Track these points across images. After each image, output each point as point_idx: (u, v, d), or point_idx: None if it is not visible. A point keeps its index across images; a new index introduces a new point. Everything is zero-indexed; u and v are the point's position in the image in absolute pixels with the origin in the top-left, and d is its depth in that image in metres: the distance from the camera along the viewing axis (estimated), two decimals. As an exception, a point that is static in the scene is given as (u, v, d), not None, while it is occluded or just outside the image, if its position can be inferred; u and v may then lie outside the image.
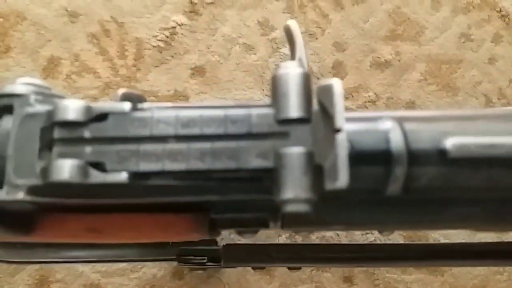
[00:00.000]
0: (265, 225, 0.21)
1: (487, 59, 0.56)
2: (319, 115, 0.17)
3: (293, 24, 0.25)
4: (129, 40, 0.49)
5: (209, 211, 0.21)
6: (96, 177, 0.16)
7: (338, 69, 0.53)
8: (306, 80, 0.17)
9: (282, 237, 0.45)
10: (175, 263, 0.43)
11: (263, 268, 0.36)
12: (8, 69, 0.47)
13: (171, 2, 0.50)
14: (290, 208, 0.15)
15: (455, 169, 0.18)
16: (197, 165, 0.16)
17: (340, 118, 0.16)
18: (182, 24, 0.49)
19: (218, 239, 0.35)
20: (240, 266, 0.39)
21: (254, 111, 0.17)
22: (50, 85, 0.19)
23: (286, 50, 0.52)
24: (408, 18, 0.56)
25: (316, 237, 0.45)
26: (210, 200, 0.18)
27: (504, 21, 0.58)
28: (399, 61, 0.55)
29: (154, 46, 0.49)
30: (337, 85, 0.16)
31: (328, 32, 0.53)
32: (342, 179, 0.15)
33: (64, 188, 0.16)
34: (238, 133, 0.16)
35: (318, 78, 0.52)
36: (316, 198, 0.16)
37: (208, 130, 0.16)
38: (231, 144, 0.16)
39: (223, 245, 0.34)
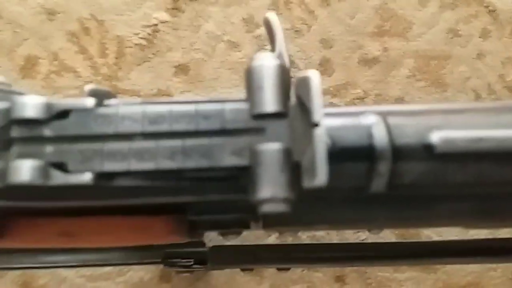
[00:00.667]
0: (246, 226, 0.20)
1: (476, 54, 0.56)
2: (296, 109, 0.16)
3: (272, 16, 0.24)
4: (109, 38, 0.47)
5: (186, 212, 0.20)
6: (58, 178, 0.15)
7: (325, 66, 0.52)
8: (283, 72, 0.16)
9: (272, 237, 0.44)
10: (161, 266, 0.42)
11: (251, 269, 0.35)
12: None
13: (153, -1, 0.49)
14: (266, 208, 0.14)
15: (442, 164, 0.17)
16: (166, 164, 0.15)
17: (318, 112, 0.15)
18: (164, 21, 0.48)
19: (207, 240, 0.34)
20: (228, 268, 0.38)
21: (228, 106, 0.16)
22: (28, 85, 0.18)
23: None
24: (396, 14, 0.55)
25: (306, 236, 0.44)
26: (183, 201, 0.16)
27: (492, 16, 0.57)
28: (387, 57, 0.54)
29: (135, 44, 0.47)
30: (315, 77, 0.15)
31: (314, 28, 0.53)
32: (320, 176, 0.14)
33: (24, 190, 0.15)
34: (210, 130, 0.15)
35: (305, 75, 0.51)
36: (294, 197, 0.15)
37: (178, 127, 0.15)
38: (203, 141, 0.15)
39: (210, 247, 0.33)
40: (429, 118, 0.18)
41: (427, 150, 0.17)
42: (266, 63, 0.16)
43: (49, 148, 0.15)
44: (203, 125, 0.15)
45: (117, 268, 0.42)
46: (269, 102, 0.15)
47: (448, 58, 0.55)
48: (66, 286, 0.42)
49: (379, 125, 0.18)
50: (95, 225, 0.21)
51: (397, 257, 0.32)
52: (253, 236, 0.43)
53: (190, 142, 0.15)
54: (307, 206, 0.19)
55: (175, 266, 0.34)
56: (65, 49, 0.46)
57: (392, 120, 0.18)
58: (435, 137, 0.17)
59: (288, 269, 0.33)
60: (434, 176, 0.18)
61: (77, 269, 0.42)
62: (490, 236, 0.33)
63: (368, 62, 0.53)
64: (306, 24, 0.53)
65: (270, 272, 0.43)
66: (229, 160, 0.15)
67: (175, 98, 0.16)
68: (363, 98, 0.52)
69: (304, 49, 0.52)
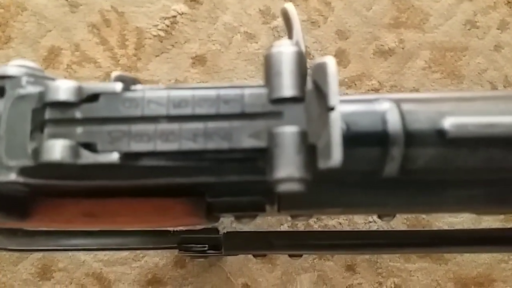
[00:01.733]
0: (262, 209, 0.21)
1: (493, 46, 0.55)
2: (313, 94, 0.16)
3: (290, 7, 0.24)
4: (129, 29, 0.48)
5: (205, 195, 0.21)
6: (87, 157, 0.16)
7: (341, 57, 0.52)
8: (300, 58, 0.17)
9: (284, 226, 0.45)
10: (176, 252, 0.43)
11: (264, 255, 0.36)
12: (9, 59, 0.46)
13: (171, -9, 0.50)
14: (283, 187, 0.15)
15: (454, 149, 0.18)
16: (189, 145, 0.16)
17: (334, 96, 0.15)
18: (182, 13, 0.49)
19: (220, 227, 0.35)
20: (241, 254, 0.39)
21: (247, 91, 0.16)
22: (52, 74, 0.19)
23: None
24: (412, 5, 0.55)
25: (318, 225, 0.45)
26: (204, 181, 0.17)
27: (511, 7, 0.57)
28: (402, 49, 0.54)
29: (154, 36, 0.48)
30: (331, 63, 0.16)
31: (331, 20, 0.53)
32: (335, 158, 0.15)
33: (55, 169, 0.16)
34: (230, 113, 0.16)
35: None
36: (309, 177, 0.15)
37: (200, 110, 0.16)
38: (224, 124, 0.16)
39: (224, 233, 0.34)
40: (442, 104, 0.19)
41: (439, 136, 0.18)
42: (284, 50, 0.17)
43: (79, 129, 0.16)
44: (224, 109, 0.16)
45: (133, 253, 0.44)
46: (287, 87, 0.16)
47: (464, 50, 0.55)
48: (84, 269, 0.43)
49: (392, 111, 0.18)
50: (118, 207, 0.22)
51: (407, 245, 0.32)
52: (266, 224, 0.44)
53: (211, 125, 0.16)
54: (321, 188, 0.20)
55: (190, 251, 0.35)
56: (87, 40, 0.48)
57: (405, 107, 0.18)
58: (447, 122, 0.18)
59: (300, 256, 0.34)
60: (446, 161, 0.18)
61: (95, 254, 0.44)
62: (501, 226, 0.33)
63: (383, 53, 0.53)
64: (323, 16, 0.53)
65: (282, 260, 0.44)
66: (248, 142, 0.16)
67: (197, 84, 0.17)
68: (378, 90, 0.53)
69: (320, 40, 0.52)
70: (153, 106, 0.16)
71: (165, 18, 0.49)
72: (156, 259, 0.44)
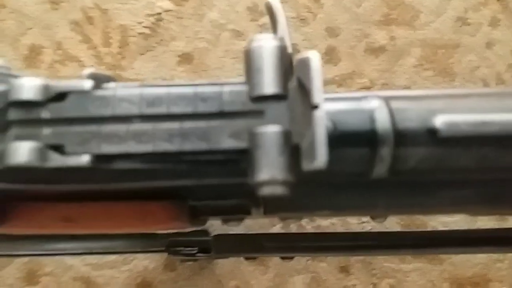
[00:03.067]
0: (247, 212, 0.20)
1: (485, 43, 0.55)
2: (296, 91, 0.15)
3: (274, 2, 0.23)
4: (113, 27, 0.47)
5: (187, 198, 0.20)
6: (56, 160, 0.15)
7: (331, 55, 0.52)
8: (282, 54, 0.16)
9: (276, 227, 0.44)
10: (166, 255, 0.42)
11: (255, 258, 0.35)
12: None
13: (157, -13, 0.48)
14: (266, 190, 0.14)
15: (446, 148, 0.17)
16: (164, 146, 0.15)
17: (318, 93, 0.15)
18: (168, 10, 0.48)
19: (210, 229, 0.34)
20: (232, 257, 0.38)
21: (226, 88, 0.15)
22: (32, 75, 0.18)
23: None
24: (403, 2, 0.54)
25: (311, 226, 0.44)
26: (183, 185, 0.16)
27: (501, 4, 0.56)
28: (393, 46, 0.53)
29: (139, 33, 0.47)
30: (315, 58, 0.15)
31: (320, 17, 0.52)
32: (320, 159, 0.14)
33: (22, 172, 0.15)
34: (209, 112, 0.15)
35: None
36: (293, 179, 0.15)
37: (176, 109, 0.15)
38: (202, 123, 0.15)
39: (214, 236, 0.33)
40: (433, 102, 0.18)
41: (430, 134, 0.17)
42: (266, 44, 0.16)
43: (46, 130, 0.15)
44: (201, 108, 0.15)
45: (122, 257, 0.43)
46: (268, 84, 0.15)
47: (456, 47, 0.54)
48: (71, 274, 0.42)
49: (381, 109, 0.17)
50: (97, 211, 0.21)
51: (400, 247, 0.31)
52: (257, 226, 0.43)
53: (188, 124, 0.15)
54: (308, 191, 0.19)
55: (179, 254, 0.34)
56: (69, 38, 0.46)
57: (395, 104, 0.18)
58: (439, 121, 0.17)
59: (292, 258, 0.33)
60: (437, 161, 0.17)
61: (83, 257, 0.43)
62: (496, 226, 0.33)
63: (374, 51, 0.53)
64: (312, 13, 0.52)
65: (274, 262, 0.43)
66: (227, 142, 0.15)
67: (173, 81, 0.16)
68: (369, 88, 0.52)
69: (309, 37, 0.51)
70: (125, 105, 0.15)
71: (150, 15, 0.48)
72: (146, 262, 0.43)
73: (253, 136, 0.15)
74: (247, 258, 0.35)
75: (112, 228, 0.23)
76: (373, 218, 0.24)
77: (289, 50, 0.17)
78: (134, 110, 0.15)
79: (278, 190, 0.14)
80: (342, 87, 0.51)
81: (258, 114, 0.15)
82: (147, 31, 0.47)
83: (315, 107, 0.14)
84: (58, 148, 0.15)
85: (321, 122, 0.14)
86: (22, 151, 0.15)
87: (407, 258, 0.45)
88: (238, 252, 0.33)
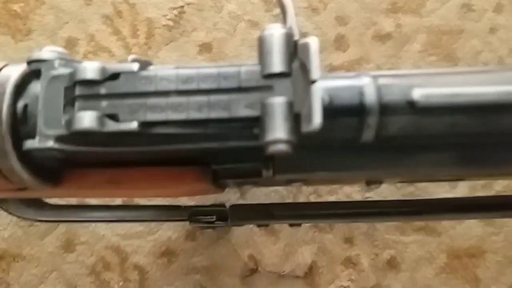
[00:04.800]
0: (259, 174, 0.24)
1: (488, 28, 0.57)
2: (298, 69, 0.19)
3: (284, -4, 0.27)
4: (140, 20, 0.51)
5: (210, 163, 0.24)
6: (111, 126, 0.19)
7: (340, 42, 0.55)
8: (288, 39, 0.20)
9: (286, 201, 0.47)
10: (187, 228, 0.47)
11: (266, 225, 0.39)
12: (29, 50, 0.50)
13: (178, -18, 0.52)
14: (272, 148, 0.18)
15: (422, 117, 0.21)
16: (195, 115, 0.19)
17: (316, 71, 0.19)
18: (189, 3, 0.52)
19: (226, 204, 0.38)
20: (245, 224, 0.42)
21: (243, 69, 0.20)
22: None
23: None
24: (410, -10, 0.57)
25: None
26: (208, 147, 0.20)
27: (507, -10, 0.58)
28: (400, 33, 0.56)
29: (163, 25, 0.51)
30: (314, 42, 0.19)
31: (331, 6, 0.55)
32: (316, 122, 0.18)
33: (85, 136, 0.19)
34: (229, 87, 0.19)
35: (319, 52, 0.54)
36: (295, 140, 0.19)
37: (204, 85, 0.19)
38: (224, 97, 0.19)
39: (230, 205, 0.38)
40: (413, 79, 0.21)
41: (409, 105, 0.21)
42: (274, 32, 0.20)
43: (104, 103, 0.20)
44: (224, 84, 0.19)
45: (148, 228, 0.47)
46: (276, 64, 0.19)
47: (460, 33, 0.57)
48: (103, 243, 0.47)
49: (369, 85, 0.21)
50: (137, 174, 0.25)
51: (398, 213, 0.35)
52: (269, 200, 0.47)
53: (213, 97, 0.19)
54: (309, 154, 0.23)
55: (200, 222, 0.38)
56: (101, 31, 0.51)
57: (381, 81, 0.21)
58: (417, 93, 0.21)
59: (299, 225, 0.37)
60: (416, 127, 0.21)
61: (113, 228, 0.47)
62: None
63: (381, 38, 0.55)
64: (323, 2, 0.55)
65: (284, 233, 0.47)
66: (244, 111, 0.19)
67: (201, 64, 0.20)
68: (377, 73, 0.55)
69: (320, 26, 0.54)
70: (164, 83, 0.19)
71: (174, 8, 0.52)
72: (169, 233, 0.47)
73: (264, 106, 0.19)
74: (259, 226, 0.39)
75: (150, 189, 0.27)
76: (368, 184, 0.28)
77: (296, 37, 0.21)
78: (171, 86, 0.19)
79: (283, 147, 0.18)
80: (350, 72, 0.54)
81: (268, 88, 0.19)
82: (170, 23, 0.51)
83: (313, 81, 0.18)
84: (113, 117, 0.19)
85: (318, 93, 0.18)
86: (86, 119, 0.19)
87: (407, 231, 0.49)
88: (251, 220, 0.37)
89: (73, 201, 0.41)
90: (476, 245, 0.49)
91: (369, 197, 0.47)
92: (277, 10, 0.54)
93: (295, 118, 0.19)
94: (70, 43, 0.51)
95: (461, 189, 0.48)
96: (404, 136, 0.21)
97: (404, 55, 0.55)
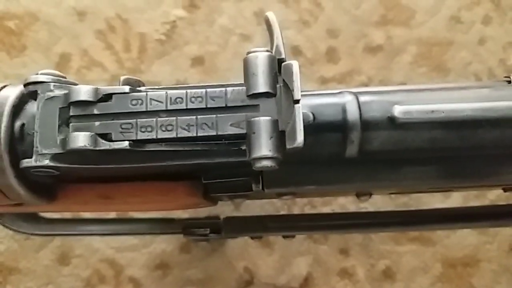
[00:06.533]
0: (249, 188, 0.25)
1: (477, 40, 0.58)
2: (282, 90, 0.20)
3: (270, 15, 0.28)
4: (133, 35, 0.52)
5: (201, 178, 0.25)
6: (104, 145, 0.20)
7: (331, 55, 0.56)
8: (272, 61, 0.21)
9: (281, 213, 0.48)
10: (182, 240, 0.47)
11: (260, 237, 0.40)
12: (24, 66, 0.51)
13: (171, -3, 0.54)
14: (259, 164, 0.19)
15: (403, 132, 0.22)
16: (184, 133, 0.20)
17: (298, 91, 0.19)
18: (181, 18, 0.53)
19: (221, 216, 0.39)
20: (239, 236, 0.43)
21: (229, 89, 0.20)
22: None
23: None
24: (399, 3, 0.58)
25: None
26: (197, 163, 0.21)
27: (494, 3, 0.59)
28: (390, 45, 0.57)
29: (156, 40, 0.52)
30: (295, 65, 0.20)
31: (321, 19, 0.56)
32: (299, 139, 0.19)
33: (79, 155, 0.20)
34: (216, 107, 0.20)
35: (311, 64, 0.55)
36: (280, 156, 0.19)
37: (192, 105, 0.20)
38: (211, 116, 0.20)
39: (224, 218, 0.38)
40: (393, 95, 0.22)
41: (390, 121, 0.22)
42: (259, 55, 0.21)
43: (97, 123, 0.20)
44: (211, 104, 0.20)
45: (142, 240, 0.48)
46: (261, 84, 0.20)
47: (450, 44, 0.58)
48: (98, 256, 0.47)
49: (352, 102, 0.22)
50: (129, 189, 0.26)
51: (391, 224, 0.36)
52: (264, 213, 0.48)
53: (201, 117, 0.20)
54: (296, 168, 0.24)
55: (194, 235, 0.39)
56: (94, 46, 0.52)
57: (362, 98, 0.22)
58: (396, 110, 0.22)
59: (293, 236, 0.38)
60: (397, 142, 0.22)
61: (108, 241, 0.47)
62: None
63: (372, 50, 0.56)
64: (313, 16, 0.56)
65: (279, 244, 0.48)
66: (230, 130, 0.20)
67: (190, 84, 0.21)
68: (367, 84, 0.56)
69: (311, 39, 0.56)
70: (154, 103, 0.20)
71: (166, 23, 0.53)
72: (164, 245, 0.48)
73: (250, 124, 0.20)
74: (253, 238, 0.40)
75: (141, 204, 0.28)
76: (358, 196, 0.29)
77: (282, 54, 0.22)
78: (161, 106, 0.20)
79: (269, 164, 0.19)
80: (342, 84, 0.55)
81: (254, 107, 0.20)
82: (163, 37, 0.52)
83: (296, 101, 0.19)
84: (106, 136, 0.20)
85: (300, 112, 0.19)
86: (80, 138, 0.20)
87: (402, 241, 0.49)
88: (245, 232, 0.38)
89: (68, 215, 0.42)
90: (471, 254, 0.49)
91: (363, 208, 0.48)
92: (269, 24, 0.55)
93: (280, 135, 0.20)
94: (64, 59, 0.51)
95: (455, 199, 0.49)
96: (386, 150, 0.22)
97: (395, 66, 0.56)
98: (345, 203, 0.49)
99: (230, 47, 0.53)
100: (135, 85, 0.22)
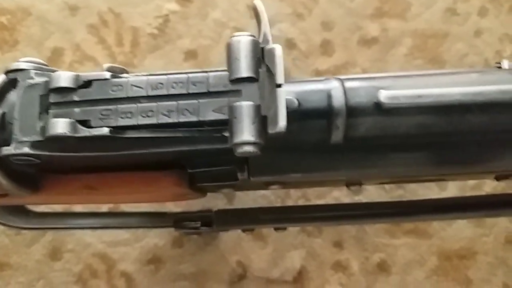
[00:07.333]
0: (235, 177, 0.24)
1: (473, 32, 0.57)
2: (265, 74, 0.20)
3: (258, 3, 0.28)
4: (125, 29, 0.52)
5: (185, 167, 0.24)
6: (84, 131, 0.20)
7: (325, 48, 0.55)
8: (255, 46, 0.20)
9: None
10: (174, 234, 0.47)
11: (252, 230, 0.39)
12: (16, 61, 0.51)
13: (164, -9, 0.53)
14: (240, 150, 0.19)
15: (389, 118, 0.21)
16: (164, 119, 0.20)
17: (280, 75, 0.19)
18: (174, 11, 0.53)
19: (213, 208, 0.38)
20: (231, 229, 0.42)
21: (211, 74, 0.20)
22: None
23: (274, 31, 0.55)
24: (395, -5, 0.57)
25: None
26: (180, 150, 0.21)
27: (490, -6, 0.59)
28: (385, 37, 0.56)
29: (149, 34, 0.52)
30: (278, 49, 0.20)
31: (316, 12, 0.56)
32: (281, 124, 0.18)
33: (59, 142, 0.20)
34: (198, 92, 0.20)
35: (305, 57, 0.55)
36: (262, 141, 0.19)
37: (173, 91, 0.20)
38: (193, 101, 0.20)
39: (215, 211, 0.38)
40: (379, 81, 0.22)
41: (376, 107, 0.21)
42: (242, 39, 0.20)
43: (77, 110, 0.20)
44: (193, 89, 0.20)
45: (134, 235, 0.47)
46: (244, 69, 0.20)
47: (445, 36, 0.57)
48: (90, 250, 0.47)
49: (337, 88, 0.22)
50: (114, 179, 0.26)
51: (383, 215, 0.35)
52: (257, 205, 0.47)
53: (182, 102, 0.20)
54: (282, 155, 0.23)
55: (185, 228, 0.39)
56: (86, 41, 0.51)
57: (348, 84, 0.22)
58: (382, 95, 0.21)
59: (285, 228, 0.38)
60: (383, 128, 0.22)
61: (100, 236, 0.47)
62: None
63: (367, 42, 0.56)
64: (308, 8, 0.56)
65: (273, 237, 0.47)
66: (212, 115, 0.20)
67: (172, 70, 0.21)
68: (362, 77, 0.55)
69: (305, 32, 0.55)
70: (135, 89, 0.20)
71: (159, 17, 0.52)
72: (156, 240, 0.47)
73: (232, 110, 0.19)
74: (244, 230, 0.39)
75: (126, 194, 0.28)
76: (348, 186, 0.28)
77: (269, 43, 0.22)
78: (142, 92, 0.20)
79: (250, 149, 0.19)
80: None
81: (236, 93, 0.20)
82: (155, 31, 0.52)
83: (279, 85, 0.19)
84: (86, 123, 0.20)
85: (283, 96, 0.19)
86: (59, 125, 0.19)
87: (397, 234, 0.49)
88: (237, 225, 0.38)
89: (58, 208, 0.41)
90: (467, 247, 0.49)
91: (358, 201, 0.47)
92: (262, 17, 0.54)
93: (262, 121, 0.19)
94: (56, 53, 0.51)
95: (450, 192, 0.48)
96: (373, 136, 0.22)
97: (390, 59, 0.56)
98: (340, 196, 0.48)
99: (223, 40, 0.52)
100: (118, 72, 0.22)
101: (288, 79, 0.23)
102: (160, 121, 0.20)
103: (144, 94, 0.20)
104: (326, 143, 0.22)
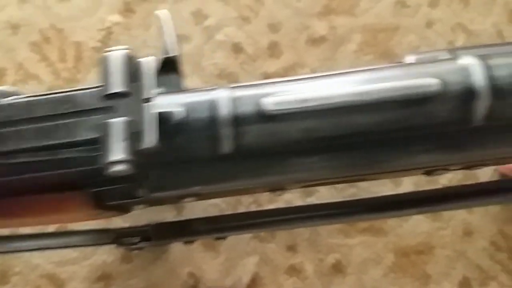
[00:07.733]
0: (136, 195, 0.24)
1: (425, 23, 0.57)
2: (137, 89, 0.19)
3: (162, 13, 0.27)
4: (68, 44, 0.51)
5: (85, 187, 0.24)
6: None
7: (273, 50, 0.55)
8: (129, 59, 0.20)
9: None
10: (123, 251, 0.46)
11: (192, 241, 0.39)
12: None
13: (106, 3, 0.53)
14: (112, 169, 0.18)
15: (276, 124, 0.21)
16: (31, 143, 0.19)
17: (148, 90, 0.19)
18: (117, 23, 0.52)
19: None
20: (170, 242, 0.42)
21: (81, 92, 0.20)
22: None
23: (220, 36, 0.54)
24: (342, -9, 0.57)
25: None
26: (65, 172, 0.20)
27: (441, -16, 0.58)
28: (334, 35, 0.56)
29: (92, 47, 0.51)
30: (148, 62, 0.19)
31: (262, 14, 0.55)
32: (150, 140, 0.18)
33: None
34: (68, 112, 0.19)
35: (253, 60, 0.54)
36: (135, 159, 0.19)
37: (41, 112, 0.19)
38: (64, 121, 0.19)
39: (152, 224, 0.37)
40: (265, 88, 0.22)
41: (260, 114, 0.21)
42: (114, 54, 0.20)
43: None
44: (61, 109, 0.19)
45: (83, 253, 0.46)
46: (116, 84, 0.19)
47: (396, 30, 0.57)
48: (38, 272, 0.46)
49: (223, 98, 0.21)
50: (18, 204, 0.25)
51: (337, 215, 0.34)
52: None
53: (52, 123, 0.19)
54: (179, 169, 0.23)
55: (126, 244, 0.38)
56: (29, 59, 0.51)
57: (235, 93, 0.21)
58: (266, 102, 0.21)
59: (224, 238, 0.37)
60: (272, 135, 0.21)
61: (48, 256, 0.46)
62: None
63: (315, 41, 0.55)
64: (254, 11, 0.55)
65: (224, 246, 0.47)
66: (84, 134, 0.19)
67: (46, 92, 0.20)
68: (313, 77, 0.55)
69: (252, 35, 0.55)
70: (15, 112, 0.19)
71: (101, 30, 0.52)
72: (105, 257, 0.46)
73: (104, 127, 0.19)
74: (186, 242, 0.39)
75: (38, 218, 0.27)
76: (271, 191, 0.28)
77: (173, 53, 0.21)
78: (17, 116, 0.19)
79: (122, 168, 0.18)
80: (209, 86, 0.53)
81: (109, 109, 0.19)
82: (99, 44, 0.51)
83: (146, 100, 0.19)
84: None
85: (151, 111, 0.18)
86: None
87: (352, 233, 0.48)
88: (176, 237, 0.37)
89: (3, 231, 0.40)
90: (424, 241, 0.48)
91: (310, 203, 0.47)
92: (207, 22, 0.54)
93: (135, 137, 0.19)
94: (-2, 74, 0.50)
95: (406, 187, 0.48)
96: (264, 144, 0.21)
97: (340, 56, 0.56)
98: (292, 199, 0.48)
99: (168, 49, 0.52)
100: (5, 95, 0.22)
101: (179, 89, 0.22)
102: (24, 146, 0.19)
103: (18, 118, 0.19)
104: (217, 154, 0.21)
